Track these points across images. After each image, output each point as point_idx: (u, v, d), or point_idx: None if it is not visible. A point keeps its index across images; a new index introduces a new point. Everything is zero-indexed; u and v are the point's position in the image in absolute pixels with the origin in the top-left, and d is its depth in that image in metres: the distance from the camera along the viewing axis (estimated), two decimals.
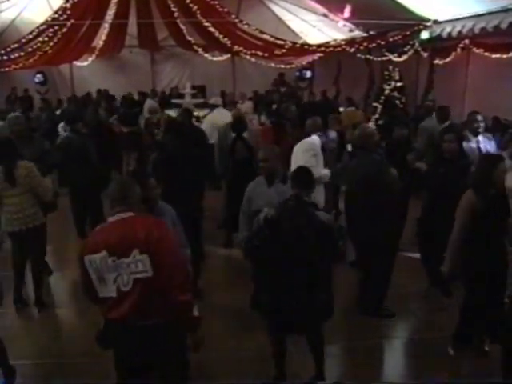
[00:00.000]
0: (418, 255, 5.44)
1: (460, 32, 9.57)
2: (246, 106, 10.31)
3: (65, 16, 11.98)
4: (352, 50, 12.19)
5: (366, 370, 4.01)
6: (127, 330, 2.61)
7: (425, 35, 10.69)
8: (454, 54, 10.19)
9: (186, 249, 3.65)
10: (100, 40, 14.04)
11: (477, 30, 9.00)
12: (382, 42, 11.62)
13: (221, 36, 13.40)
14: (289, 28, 14.80)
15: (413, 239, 5.58)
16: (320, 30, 14.04)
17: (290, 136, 6.78)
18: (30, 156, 5.05)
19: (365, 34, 12.39)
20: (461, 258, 3.92)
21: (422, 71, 11.81)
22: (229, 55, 15.42)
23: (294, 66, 15.73)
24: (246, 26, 13.12)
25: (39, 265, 5.14)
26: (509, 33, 8.36)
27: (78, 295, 3.32)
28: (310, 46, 13.77)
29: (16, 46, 12.19)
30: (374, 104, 11.45)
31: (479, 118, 5.90)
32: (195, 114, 9.50)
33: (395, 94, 11.33)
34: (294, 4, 14.04)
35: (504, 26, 8.19)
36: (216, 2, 12.78)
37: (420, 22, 10.64)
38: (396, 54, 11.32)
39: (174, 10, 13.00)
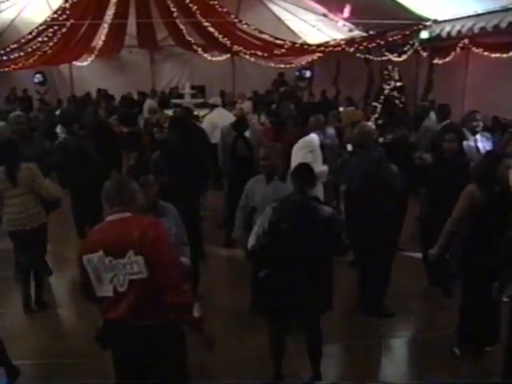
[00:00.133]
0: (418, 255, 5.44)
1: (459, 31, 9.57)
2: (246, 106, 10.32)
3: (64, 16, 11.96)
4: (351, 49, 12.19)
5: (365, 369, 4.01)
6: (126, 330, 2.61)
7: (424, 35, 10.69)
8: (453, 53, 10.19)
9: (186, 247, 3.66)
10: (99, 40, 14.03)
11: (476, 30, 9.00)
12: (382, 42, 11.62)
13: (220, 36, 13.40)
14: (288, 28, 14.80)
15: (413, 238, 5.58)
16: (319, 29, 14.04)
17: (290, 134, 6.81)
18: (31, 155, 5.05)
19: (364, 34, 12.39)
20: (461, 256, 3.93)
21: (422, 71, 11.82)
22: (228, 55, 15.42)
23: (293, 65, 15.71)
24: (245, 26, 13.12)
25: (40, 265, 5.14)
26: (508, 32, 8.36)
27: (78, 295, 3.32)
28: (309, 45, 13.77)
29: (15, 46, 12.18)
30: (374, 104, 11.43)
31: (478, 117, 5.93)
32: (195, 113, 9.51)
33: (395, 93, 11.31)
34: (293, 4, 14.04)
35: (503, 25, 8.19)
36: (215, 2, 12.77)
37: (419, 22, 10.65)
38: (395, 54, 11.32)
39: (174, 9, 12.99)
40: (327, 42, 13.81)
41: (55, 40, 12.41)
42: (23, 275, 5.01)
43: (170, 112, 10.09)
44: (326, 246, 3.37)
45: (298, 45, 13.61)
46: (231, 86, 15.79)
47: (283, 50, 13.33)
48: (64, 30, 12.16)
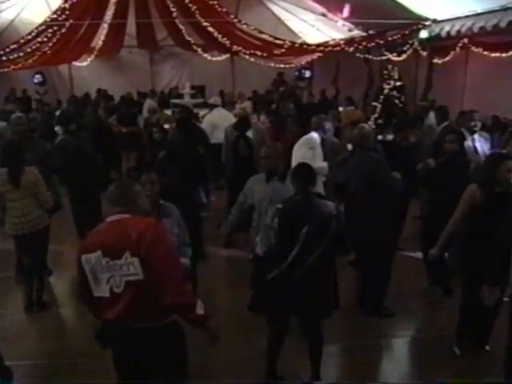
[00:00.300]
0: (418, 255, 5.44)
1: (459, 31, 9.56)
2: (245, 106, 10.33)
3: (64, 16, 11.95)
4: (351, 49, 12.19)
5: (365, 369, 4.01)
6: (122, 331, 2.61)
7: (424, 34, 10.67)
8: (452, 53, 10.18)
9: (188, 248, 3.66)
10: (99, 40, 14.03)
11: (476, 29, 8.99)
12: (381, 42, 11.61)
13: (220, 36, 13.39)
14: (288, 28, 14.78)
15: (413, 238, 5.58)
16: (319, 29, 14.03)
17: (290, 134, 6.82)
18: (33, 157, 5.04)
19: (364, 34, 12.38)
20: (461, 256, 3.93)
21: (421, 70, 11.82)
22: (228, 55, 15.40)
23: (293, 65, 15.71)
24: (244, 26, 13.11)
25: (41, 265, 5.14)
26: (508, 32, 8.35)
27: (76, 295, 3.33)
28: (308, 45, 13.76)
29: (15, 46, 12.16)
30: (374, 103, 11.43)
31: (476, 116, 5.98)
32: (194, 111, 9.52)
33: (394, 93, 11.31)
34: (292, 4, 14.02)
35: (503, 24, 8.18)
36: (215, 2, 12.76)
37: (419, 22, 10.63)
38: (395, 54, 11.31)
39: (173, 9, 12.98)
40: (327, 42, 13.80)
41: (55, 40, 12.39)
42: (26, 276, 5.01)
43: (169, 112, 10.11)
44: (329, 243, 3.38)
45: (297, 45, 13.60)
46: (231, 86, 15.78)
47: (283, 50, 13.32)
48: (63, 30, 12.15)
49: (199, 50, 14.51)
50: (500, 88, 9.02)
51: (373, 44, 11.91)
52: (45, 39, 12.31)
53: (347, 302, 4.87)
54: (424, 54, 11.09)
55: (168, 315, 2.63)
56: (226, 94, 13.20)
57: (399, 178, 4.73)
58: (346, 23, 12.37)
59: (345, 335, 4.51)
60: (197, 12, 12.63)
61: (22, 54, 12.35)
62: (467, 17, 9.24)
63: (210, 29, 13.07)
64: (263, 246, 3.83)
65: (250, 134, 6.70)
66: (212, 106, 9.05)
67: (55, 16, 12.02)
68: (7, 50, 12.04)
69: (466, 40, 9.78)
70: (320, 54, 13.98)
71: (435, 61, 10.94)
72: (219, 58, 15.55)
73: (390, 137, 6.80)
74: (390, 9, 10.23)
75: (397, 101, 11.23)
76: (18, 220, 4.73)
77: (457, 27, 9.60)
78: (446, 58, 10.43)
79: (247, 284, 3.82)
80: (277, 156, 4.28)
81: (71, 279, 5.59)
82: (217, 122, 8.28)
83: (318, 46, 13.52)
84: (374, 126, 9.26)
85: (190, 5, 12.64)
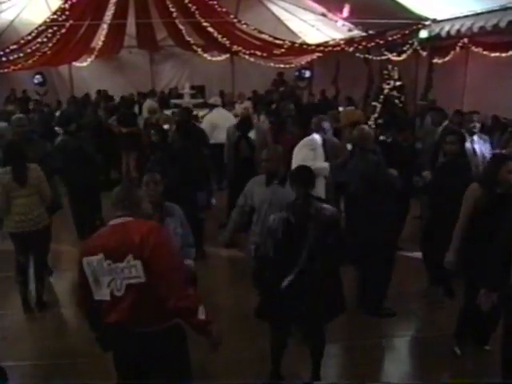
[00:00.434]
0: (418, 255, 5.43)
1: (459, 31, 9.55)
2: (247, 106, 10.31)
3: (63, 17, 11.94)
4: (351, 49, 12.18)
5: (365, 369, 4.01)
6: (123, 335, 2.60)
7: (424, 34, 10.66)
8: (452, 52, 10.19)
9: (192, 248, 3.66)
10: (99, 40, 14.04)
11: (476, 29, 8.98)
12: (381, 42, 11.60)
13: (220, 36, 13.39)
14: (287, 28, 14.79)
15: (413, 238, 5.57)
16: (319, 29, 14.03)
17: (290, 134, 6.82)
18: (33, 158, 5.06)
19: (364, 34, 12.37)
20: (463, 257, 3.92)
21: (421, 70, 11.81)
22: (228, 55, 15.42)
23: (293, 65, 15.71)
24: (244, 26, 13.11)
25: (42, 265, 5.15)
26: (508, 31, 8.35)
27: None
28: (308, 45, 13.76)
29: (15, 47, 12.16)
30: (374, 103, 11.44)
31: (475, 118, 5.98)
32: (194, 113, 9.51)
33: (394, 93, 11.31)
34: (292, 4, 14.03)
35: (503, 24, 8.17)
36: (215, 2, 12.77)
37: (419, 21, 10.62)
38: (395, 54, 11.31)
39: (173, 10, 12.98)
40: (327, 42, 13.80)
41: (54, 41, 12.40)
42: (21, 275, 5.00)
43: (169, 112, 10.11)
44: (331, 248, 3.37)
45: (297, 45, 13.60)
46: (231, 86, 15.78)
47: (282, 50, 13.31)
48: (63, 30, 12.15)
49: (199, 50, 14.51)
50: (500, 88, 9.03)
51: (373, 44, 11.91)
52: (45, 40, 12.32)
53: (347, 302, 4.86)
54: (424, 53, 11.08)
55: (170, 319, 2.63)
56: (226, 94, 13.19)
57: (396, 174, 4.72)
58: (346, 23, 12.37)
59: (345, 335, 4.50)
60: (196, 12, 12.63)
61: (21, 55, 12.36)
62: (467, 17, 9.23)
63: (210, 29, 13.07)
64: (263, 247, 3.81)
65: (251, 134, 6.69)
66: (212, 106, 9.05)
67: (55, 16, 12.02)
68: (7, 50, 12.04)
69: (465, 40, 9.78)
70: (320, 54, 13.98)
71: (435, 61, 10.94)
72: (219, 58, 15.56)
73: (390, 138, 6.79)
74: (390, 9, 10.23)
75: (397, 101, 11.24)
76: (18, 218, 4.72)
77: (457, 27, 9.60)
78: (446, 58, 10.43)
79: (247, 284, 3.82)
80: (277, 159, 4.28)
81: (71, 279, 5.58)
82: (217, 122, 8.28)
83: (318, 46, 13.51)
84: (373, 126, 9.26)
85: (190, 5, 12.63)
